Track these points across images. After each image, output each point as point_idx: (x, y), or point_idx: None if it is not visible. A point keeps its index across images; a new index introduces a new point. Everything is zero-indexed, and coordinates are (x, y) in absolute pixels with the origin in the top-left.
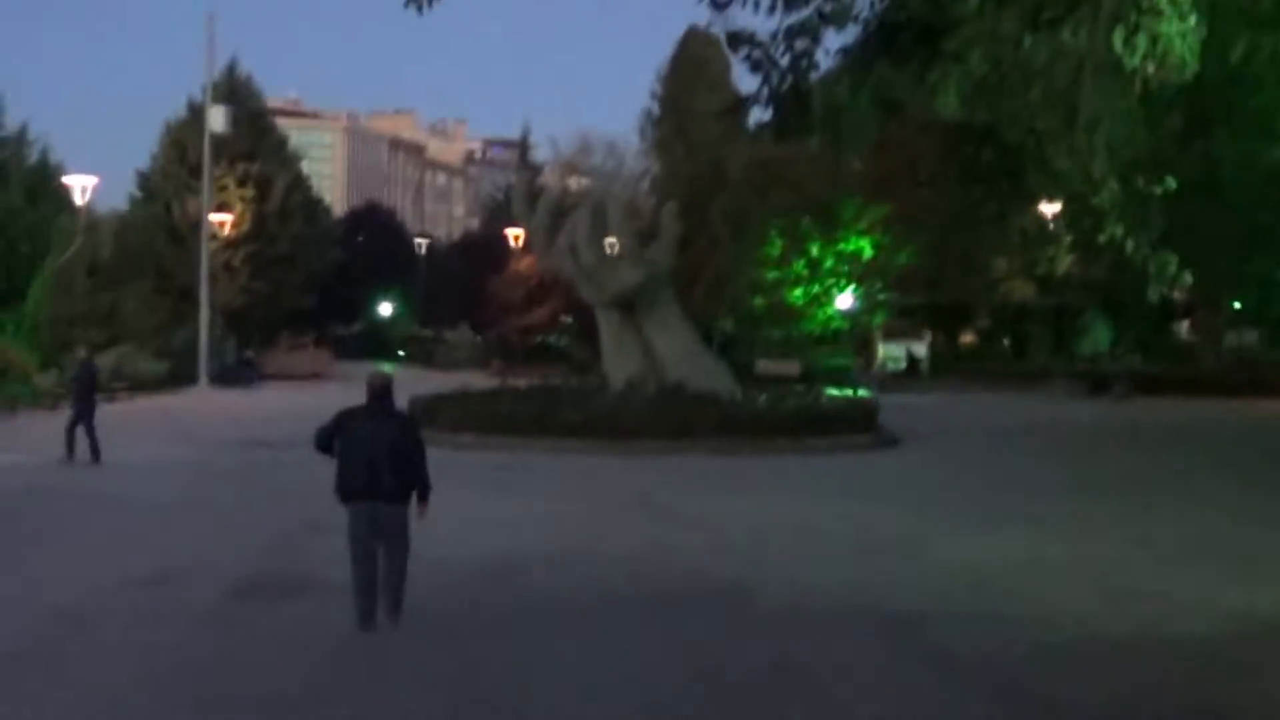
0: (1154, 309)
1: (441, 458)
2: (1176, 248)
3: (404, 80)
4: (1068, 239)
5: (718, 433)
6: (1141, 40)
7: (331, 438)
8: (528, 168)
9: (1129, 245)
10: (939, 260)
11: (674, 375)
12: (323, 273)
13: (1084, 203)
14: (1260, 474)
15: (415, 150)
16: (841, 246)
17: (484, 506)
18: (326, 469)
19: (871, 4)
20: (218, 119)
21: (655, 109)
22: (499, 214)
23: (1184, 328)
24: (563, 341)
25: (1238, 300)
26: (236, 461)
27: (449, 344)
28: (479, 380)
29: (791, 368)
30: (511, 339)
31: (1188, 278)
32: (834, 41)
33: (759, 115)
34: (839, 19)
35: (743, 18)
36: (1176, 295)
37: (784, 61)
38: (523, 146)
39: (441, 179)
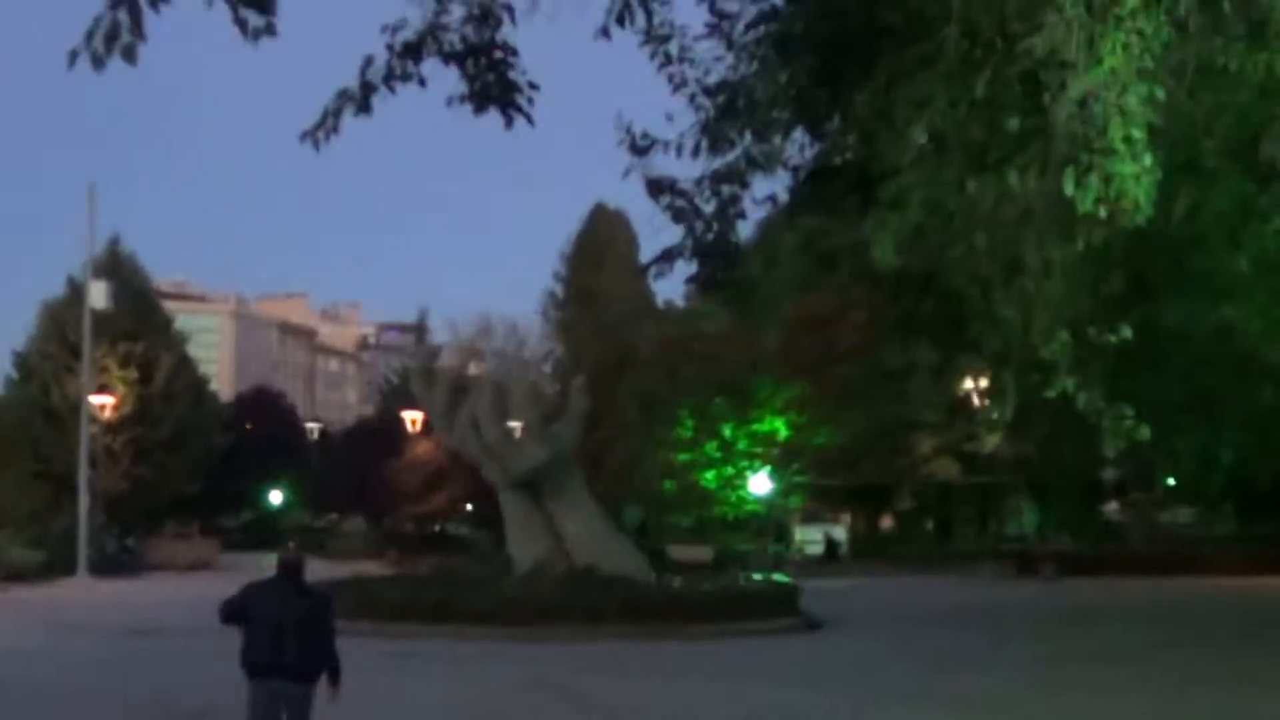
0: (1081, 488)
1: (337, 647)
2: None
3: (295, 263)
4: (994, 414)
5: (631, 617)
6: (1094, 182)
7: (239, 610)
8: (425, 346)
9: (1081, 399)
10: (859, 439)
11: (583, 558)
12: (209, 459)
13: (1027, 357)
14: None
15: (306, 335)
16: (756, 427)
17: (383, 695)
18: (214, 661)
19: (802, 149)
20: (99, 295)
21: (559, 290)
22: (395, 398)
23: (1112, 507)
24: (462, 530)
25: (1171, 476)
26: (116, 653)
27: (343, 533)
28: (375, 570)
29: (704, 553)
30: (408, 527)
31: (1145, 432)
32: (762, 189)
33: (682, 269)
34: (768, 164)
35: (664, 164)
36: (1105, 475)
37: (709, 209)
38: (419, 326)
39: (334, 364)
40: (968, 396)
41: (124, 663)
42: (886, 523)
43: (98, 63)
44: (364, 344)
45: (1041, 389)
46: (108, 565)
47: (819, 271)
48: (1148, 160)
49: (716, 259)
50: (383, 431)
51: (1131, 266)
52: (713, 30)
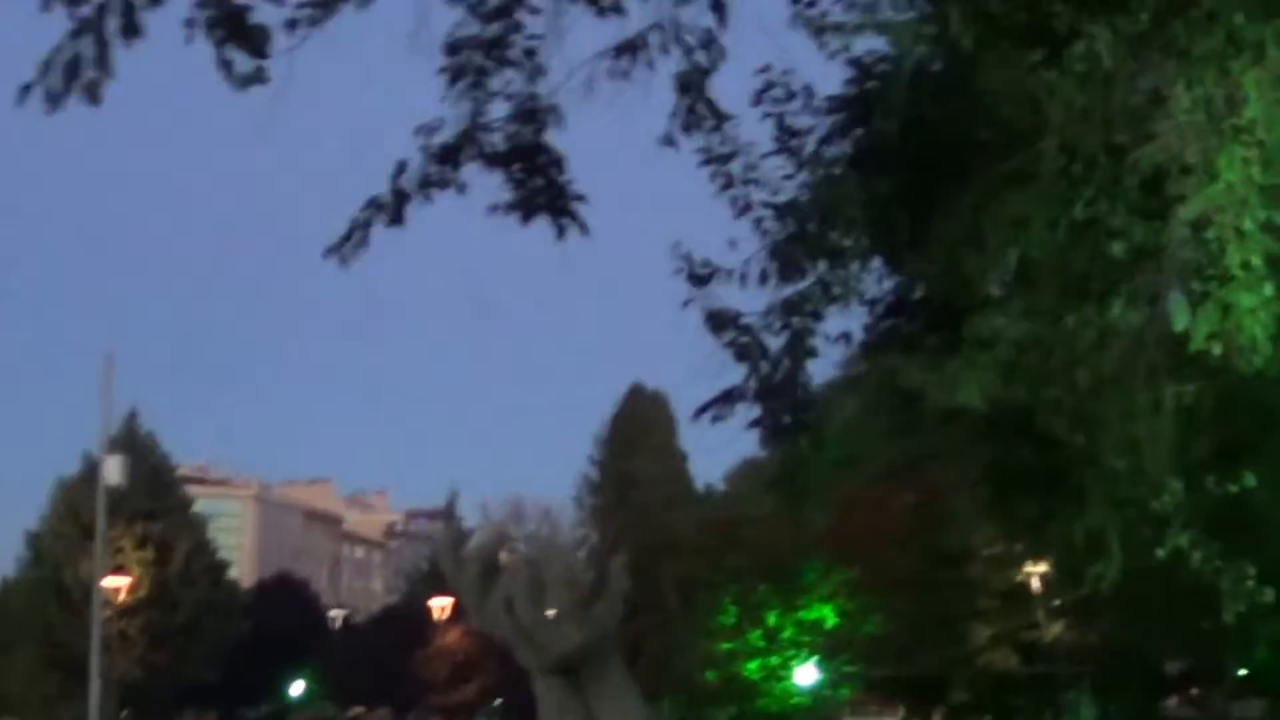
0: (1142, 681)
1: None
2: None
3: (319, 448)
4: (1056, 602)
5: None
6: (1209, 312)
7: None
8: (455, 523)
9: (1195, 557)
10: (911, 627)
11: None
12: (228, 646)
13: (1138, 510)
14: None
15: (332, 521)
16: (802, 615)
17: None
18: None
19: (880, 279)
20: (114, 470)
21: (594, 474)
22: (422, 585)
23: (1174, 703)
24: None
25: (1243, 666)
26: None
27: None
28: None
29: None
30: None
31: (1270, 595)
32: (835, 325)
33: (744, 413)
34: (844, 294)
35: (726, 296)
36: (1169, 668)
37: (776, 345)
38: (449, 504)
39: (360, 552)
40: (1027, 581)
41: None
42: (940, 717)
43: (53, 100)
44: (391, 531)
45: (1149, 548)
46: None
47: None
48: (1268, 290)
49: (783, 400)
50: (409, 619)
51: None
52: (781, 148)
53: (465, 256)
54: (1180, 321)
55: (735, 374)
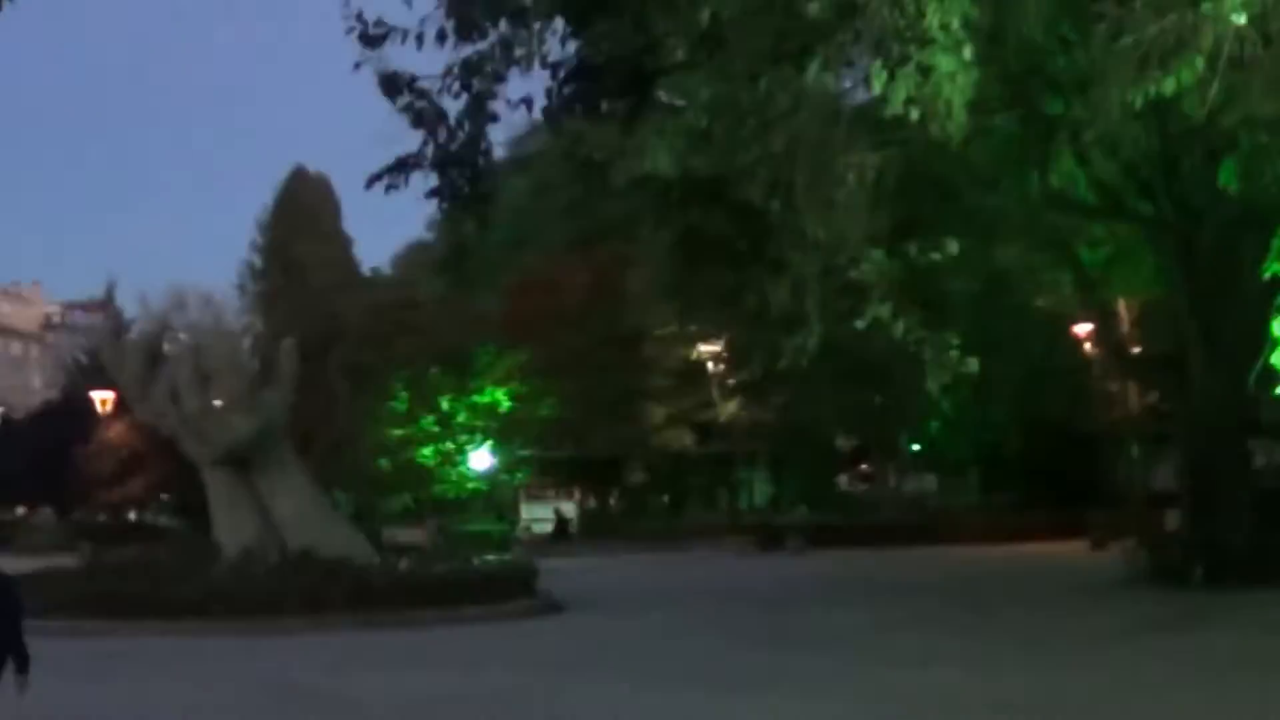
0: (817, 458)
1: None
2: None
3: None
4: (730, 381)
5: (357, 604)
6: (906, 78)
7: None
8: (115, 313)
9: (898, 328)
10: (586, 409)
11: (299, 541)
12: None
13: (837, 280)
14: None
15: None
16: (476, 399)
17: (91, 702)
18: None
19: (564, 41)
20: None
21: (257, 260)
22: (84, 378)
23: (845, 480)
24: (161, 519)
25: (916, 441)
26: None
27: (28, 526)
28: (66, 564)
29: (424, 536)
30: (102, 518)
31: (973, 364)
32: (516, 89)
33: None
34: (526, 56)
35: (401, 57)
36: (840, 444)
37: (456, 108)
38: (108, 293)
39: (16, 347)
40: (701, 361)
41: None
42: (614, 498)
43: None
44: (48, 324)
45: (848, 319)
46: None
47: (586, 185)
48: (967, 53)
49: (463, 168)
50: (71, 414)
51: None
52: None
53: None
54: (878, 84)
55: (411, 141)
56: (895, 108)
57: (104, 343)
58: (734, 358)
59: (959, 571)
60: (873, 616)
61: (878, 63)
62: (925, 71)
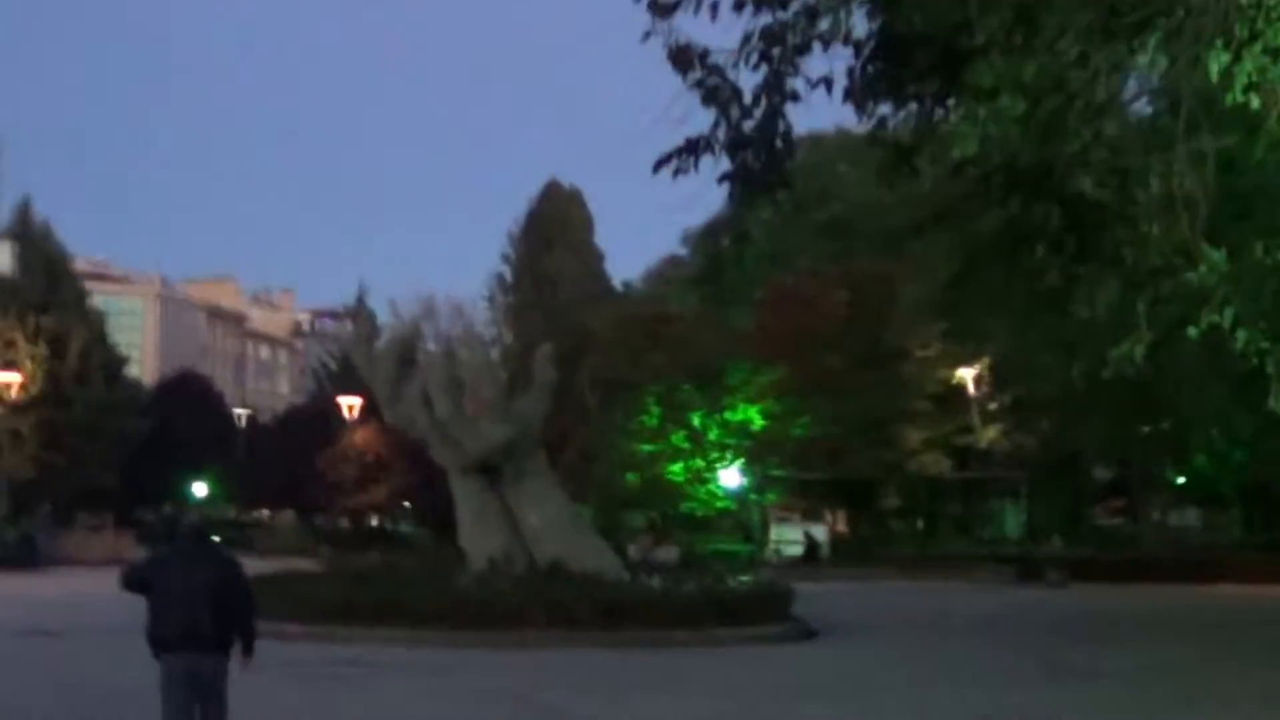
0: (1075, 489)
1: (262, 651)
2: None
3: (222, 246)
4: (993, 405)
5: (605, 621)
6: (1247, 63)
7: (142, 578)
8: (366, 315)
9: (1241, 336)
10: (841, 430)
11: (547, 552)
12: (127, 446)
13: (1165, 283)
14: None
15: (236, 320)
16: (728, 416)
17: (324, 710)
18: (116, 660)
19: (870, 16)
20: (2, 257)
21: (508, 272)
22: (331, 383)
23: (1099, 511)
24: (402, 527)
25: (1182, 474)
26: (7, 654)
27: (271, 529)
28: (305, 568)
29: (670, 553)
30: (344, 523)
31: None
32: (817, 68)
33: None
34: (832, 27)
35: (694, 28)
36: (1098, 474)
37: (753, 84)
38: (359, 299)
39: (265, 352)
40: (962, 384)
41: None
42: (869, 523)
43: None
44: (298, 330)
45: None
46: (7, 557)
47: (890, 175)
48: None
49: (759, 150)
50: (317, 419)
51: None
52: None
53: (372, 43)
54: (1214, 71)
55: (700, 122)
56: (1236, 95)
57: (356, 345)
58: (996, 381)
59: (1236, 611)
60: (1153, 656)
61: (1218, 43)
62: (1275, 54)
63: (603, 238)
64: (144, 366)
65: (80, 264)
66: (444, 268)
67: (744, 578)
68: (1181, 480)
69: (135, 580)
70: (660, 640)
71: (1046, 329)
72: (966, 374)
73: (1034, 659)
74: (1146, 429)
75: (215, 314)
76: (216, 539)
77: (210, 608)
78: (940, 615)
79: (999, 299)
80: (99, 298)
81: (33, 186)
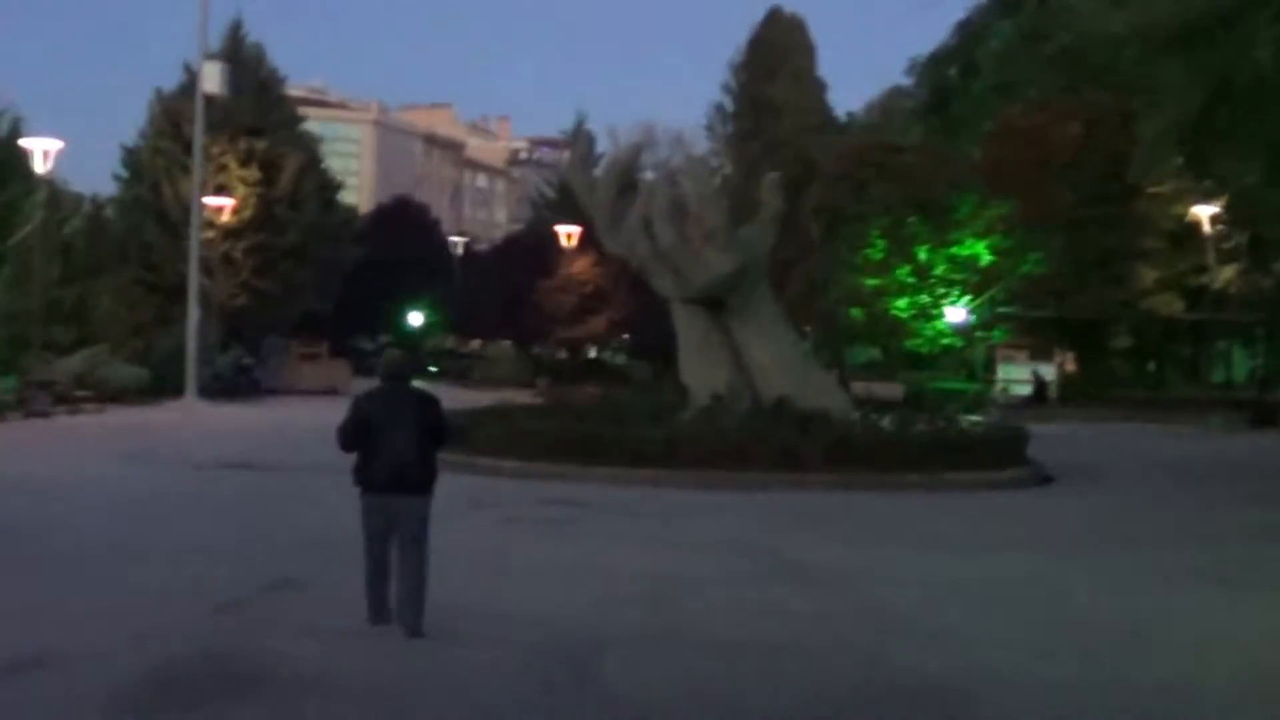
0: None
1: (478, 487)
2: None
3: (441, 73)
4: (1226, 245)
5: (834, 462)
6: None
7: (358, 432)
8: (585, 135)
9: None
10: (1071, 267)
11: (773, 389)
12: (341, 273)
13: None
14: None
15: (453, 148)
16: (955, 250)
17: (534, 557)
18: (321, 501)
19: None
20: (213, 78)
21: (728, 102)
22: (549, 213)
23: None
24: (619, 359)
25: None
26: (207, 489)
27: (488, 359)
28: (522, 400)
29: (894, 390)
30: (561, 355)
31: None
32: None
33: None
34: None
35: None
36: None
37: None
38: (578, 124)
39: (482, 180)
40: (1197, 221)
41: (183, 505)
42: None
43: None
44: (515, 159)
45: None
46: (222, 387)
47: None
48: None
49: None
50: (535, 248)
51: None
52: None
53: None
54: None
55: None
56: None
57: (574, 168)
58: (1235, 218)
59: None
60: None
61: None
62: None
63: (825, 68)
64: (361, 194)
65: (296, 90)
66: (664, 99)
67: (974, 418)
68: None
69: (351, 436)
70: (889, 484)
71: None
72: (1202, 212)
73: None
74: None
75: (432, 141)
76: (416, 380)
77: (415, 450)
78: (1177, 461)
79: (1243, 133)
80: (315, 124)
81: (250, 11)
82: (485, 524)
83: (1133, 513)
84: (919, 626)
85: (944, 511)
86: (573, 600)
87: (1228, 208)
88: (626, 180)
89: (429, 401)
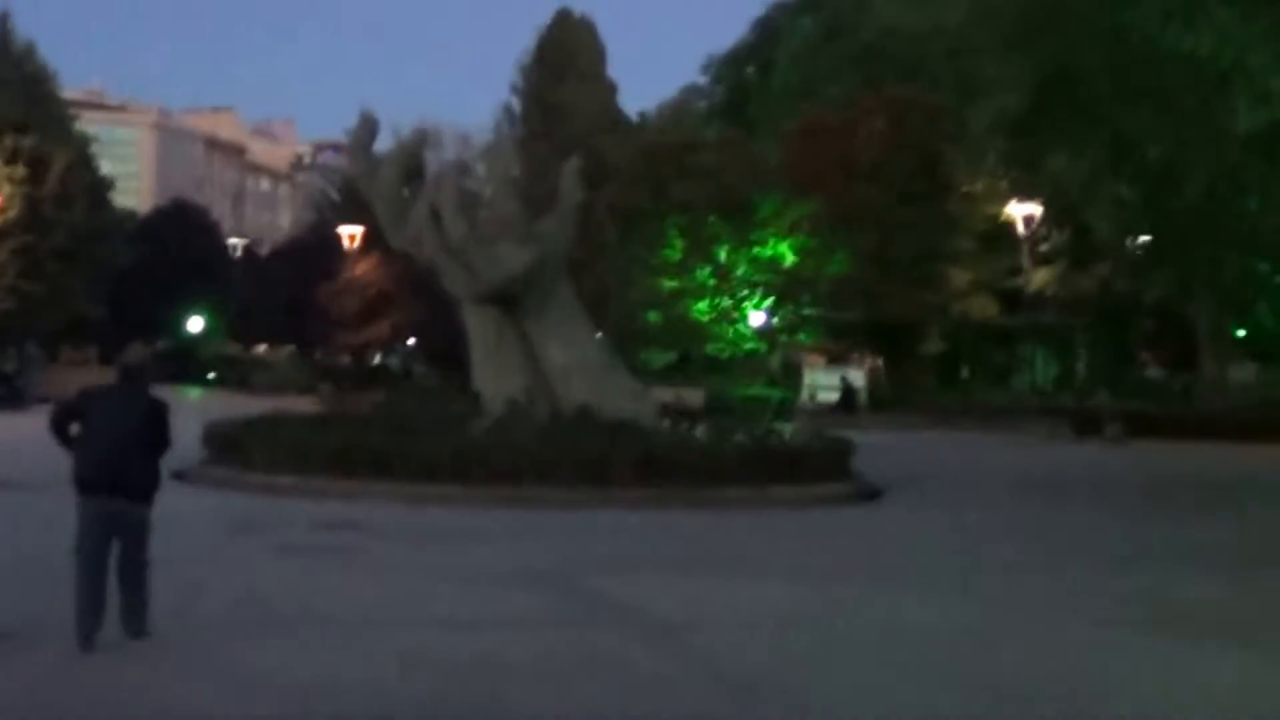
0: (1125, 339)
1: (249, 508)
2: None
3: (224, 78)
4: (1043, 246)
5: (645, 477)
6: None
7: (69, 417)
8: (369, 118)
9: None
10: (880, 269)
11: (574, 396)
12: (113, 276)
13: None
14: None
15: (235, 151)
16: (758, 251)
17: (310, 588)
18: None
19: None
20: None
21: (516, 104)
22: (332, 214)
23: (1146, 360)
24: (406, 364)
25: (1243, 327)
26: None
27: (268, 365)
28: (303, 407)
29: (694, 398)
30: (345, 360)
31: None
32: None
33: None
34: None
35: None
36: (1147, 326)
37: None
38: (361, 122)
39: (265, 184)
40: (1010, 223)
41: None
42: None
43: None
44: (299, 164)
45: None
46: None
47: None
48: None
49: None
50: (317, 251)
51: None
52: None
53: None
54: None
55: None
56: None
57: (354, 153)
58: (1055, 217)
59: None
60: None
61: None
62: None
63: (617, 70)
64: (140, 197)
65: (74, 92)
66: (452, 103)
67: (783, 426)
68: (1242, 333)
69: (62, 420)
70: (707, 500)
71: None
72: (1017, 211)
73: (1143, 527)
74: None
75: (214, 145)
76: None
77: (138, 451)
78: (1004, 474)
79: (1059, 131)
80: (92, 125)
81: (25, 10)
82: (249, 553)
83: (974, 533)
84: (786, 690)
85: (772, 532)
86: (354, 662)
87: (1048, 206)
88: (412, 167)
89: (157, 410)
